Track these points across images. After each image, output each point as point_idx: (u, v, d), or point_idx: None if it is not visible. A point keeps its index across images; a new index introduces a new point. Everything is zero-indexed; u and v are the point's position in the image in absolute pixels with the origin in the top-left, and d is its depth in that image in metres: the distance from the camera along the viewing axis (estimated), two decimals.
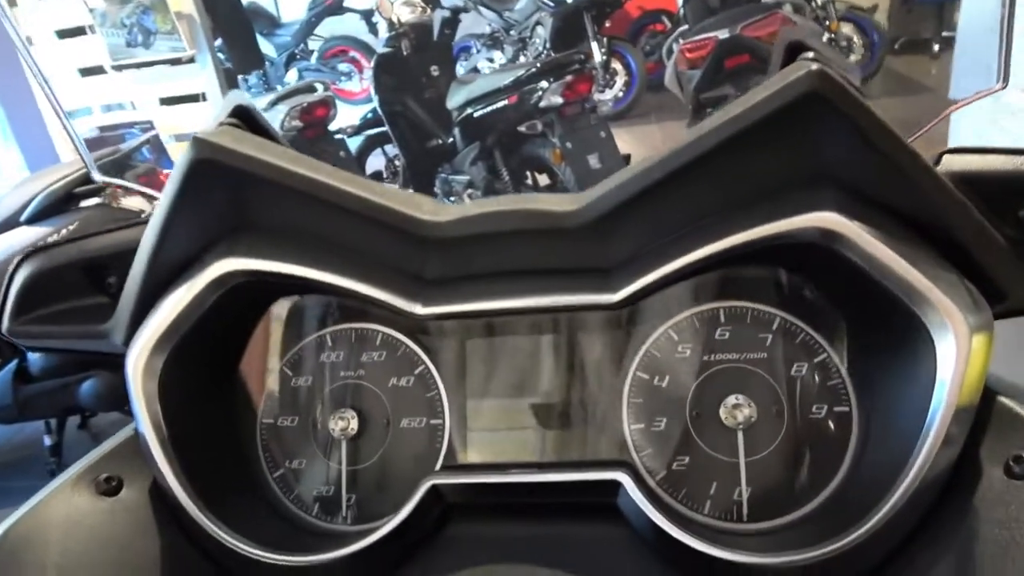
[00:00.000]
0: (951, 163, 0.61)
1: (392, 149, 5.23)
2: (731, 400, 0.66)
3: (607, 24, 5.90)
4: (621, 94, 6.38)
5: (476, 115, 4.78)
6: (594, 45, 5.56)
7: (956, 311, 0.54)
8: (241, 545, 0.65)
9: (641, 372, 0.69)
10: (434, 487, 0.66)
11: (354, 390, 0.74)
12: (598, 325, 0.70)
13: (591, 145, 4.46)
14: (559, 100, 4.46)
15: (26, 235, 3.15)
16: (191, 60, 4.32)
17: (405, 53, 5.15)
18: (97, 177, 0.87)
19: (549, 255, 0.65)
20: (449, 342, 0.73)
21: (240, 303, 0.71)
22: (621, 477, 0.63)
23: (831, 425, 0.65)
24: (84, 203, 3.30)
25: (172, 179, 0.63)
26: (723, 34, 4.84)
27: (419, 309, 0.66)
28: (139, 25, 4.33)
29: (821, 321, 0.66)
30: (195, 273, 0.66)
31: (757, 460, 0.66)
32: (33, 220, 3.20)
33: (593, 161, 4.28)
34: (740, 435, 0.66)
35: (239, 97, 0.69)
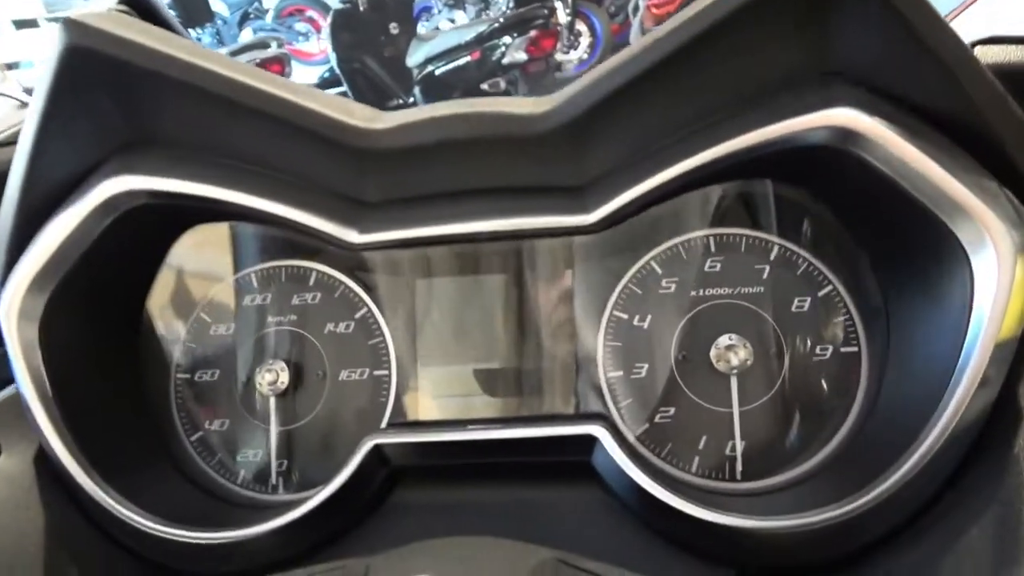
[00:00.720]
0: (985, 55, 0.52)
1: None
2: (723, 341, 0.57)
3: None
4: (586, 56, 6.23)
5: (437, 73, 4.62)
6: (559, 5, 5.40)
7: (998, 224, 0.45)
8: (146, 522, 0.54)
9: (619, 311, 0.59)
10: (377, 448, 0.56)
11: (284, 338, 0.64)
12: (569, 256, 0.60)
13: None
14: (523, 56, 4.33)
15: None
16: None
17: (362, 9, 4.95)
18: None
19: (512, 170, 0.55)
20: (394, 281, 0.62)
21: (142, 233, 0.59)
22: (597, 431, 0.54)
23: (837, 368, 0.57)
24: None
25: (42, 76, 0.51)
26: None
27: (355, 236, 0.55)
28: None
29: (827, 248, 0.57)
30: (80, 196, 0.54)
31: (753, 409, 0.57)
32: None
33: None
34: (734, 381, 0.57)
35: None
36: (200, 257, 0.64)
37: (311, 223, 0.55)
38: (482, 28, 4.45)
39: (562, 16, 5.41)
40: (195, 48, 0.52)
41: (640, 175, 0.52)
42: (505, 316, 0.61)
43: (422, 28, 5.80)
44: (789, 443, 0.57)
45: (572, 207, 0.54)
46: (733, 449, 0.57)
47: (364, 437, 0.57)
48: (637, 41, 0.50)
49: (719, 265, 0.59)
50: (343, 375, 0.63)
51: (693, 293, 0.59)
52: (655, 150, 0.52)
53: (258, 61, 4.64)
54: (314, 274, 0.64)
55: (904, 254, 0.51)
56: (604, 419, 0.56)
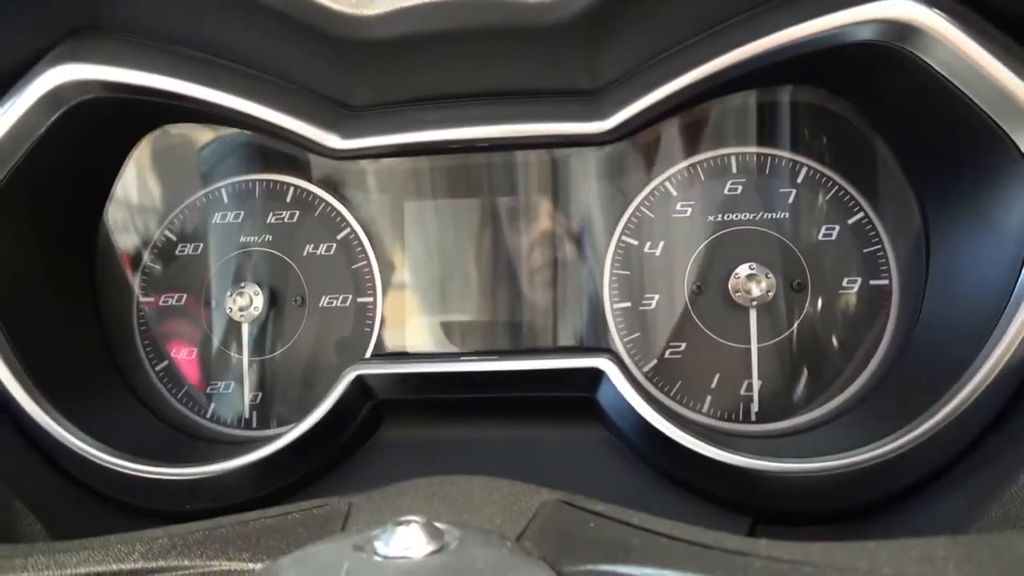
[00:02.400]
0: None
1: None
2: (743, 270, 0.52)
3: None
4: None
5: None
6: None
7: None
8: (98, 453, 0.50)
9: (628, 236, 0.54)
10: (361, 379, 0.52)
11: (259, 260, 0.58)
12: (575, 174, 0.55)
13: None
14: None
15: None
16: None
17: None
18: None
19: (517, 69, 0.49)
20: (381, 198, 0.57)
21: (95, 134, 0.53)
22: (603, 364, 0.49)
23: (866, 302, 0.53)
24: None
25: None
26: None
27: (337, 142, 0.50)
28: None
29: (861, 169, 0.53)
30: (23, 86, 0.48)
31: (772, 346, 0.53)
32: None
33: None
34: (753, 314, 0.53)
35: None
36: (163, 167, 0.59)
37: (288, 125, 0.49)
38: None
39: None
40: None
41: (664, 76, 0.47)
42: (503, 240, 0.56)
43: None
44: (810, 383, 0.53)
45: (584, 113, 0.48)
46: (749, 388, 0.53)
47: (346, 367, 0.52)
48: None
49: (740, 188, 0.54)
50: (324, 301, 0.58)
51: (711, 218, 0.54)
52: (682, 48, 0.47)
53: None
54: (292, 190, 0.58)
55: (954, 170, 0.47)
56: (610, 352, 0.51)
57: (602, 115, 0.48)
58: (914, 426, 0.43)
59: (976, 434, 0.43)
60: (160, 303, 0.59)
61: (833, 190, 0.53)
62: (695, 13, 0.46)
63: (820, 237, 0.53)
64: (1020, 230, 0.42)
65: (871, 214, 0.52)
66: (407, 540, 0.26)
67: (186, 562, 0.31)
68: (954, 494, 0.44)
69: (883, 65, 0.44)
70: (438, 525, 0.28)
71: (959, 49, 0.41)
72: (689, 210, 0.54)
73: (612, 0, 0.44)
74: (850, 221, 0.53)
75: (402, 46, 0.48)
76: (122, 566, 0.30)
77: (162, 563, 0.31)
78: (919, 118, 0.47)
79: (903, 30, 0.42)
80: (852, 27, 0.43)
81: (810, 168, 0.53)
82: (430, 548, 0.26)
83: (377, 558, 0.26)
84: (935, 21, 0.41)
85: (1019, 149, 0.41)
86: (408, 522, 0.27)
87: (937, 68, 0.42)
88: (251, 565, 0.31)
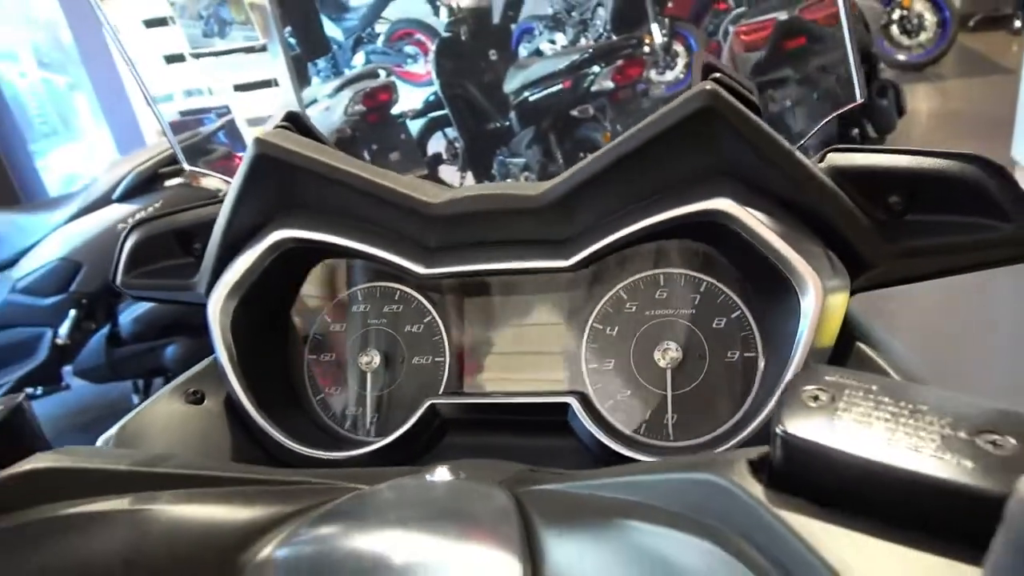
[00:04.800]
0: (834, 159, 0.77)
1: (452, 132, 5.41)
2: (663, 346, 0.84)
3: (669, 4, 5.95)
4: (681, 76, 6.41)
5: (532, 99, 4.91)
6: (654, 27, 5.61)
7: (815, 276, 0.70)
8: (292, 444, 0.86)
9: (597, 323, 0.87)
10: (433, 406, 0.86)
11: (377, 334, 0.95)
12: (565, 286, 0.89)
13: None
14: (610, 85, 4.59)
15: (117, 212, 3.54)
16: (263, 48, 4.59)
17: (464, 38, 5.31)
18: (186, 166, 1.10)
19: (520, 229, 0.84)
20: (451, 298, 0.93)
21: (291, 263, 0.92)
22: (571, 401, 0.82)
23: (742, 367, 0.82)
24: (168, 183, 3.68)
25: (240, 169, 0.85)
26: (781, 16, 4.84)
27: (421, 270, 0.86)
28: (216, 16, 4.64)
29: (734, 284, 0.83)
30: (257, 241, 0.88)
31: (681, 394, 0.83)
32: (123, 198, 3.58)
33: None
34: (669, 373, 0.84)
35: (290, 106, 0.90)
36: (325, 280, 0.98)
37: (395, 260, 0.86)
38: (573, 58, 4.73)
39: (658, 37, 5.62)
40: (329, 152, 0.85)
41: (603, 234, 0.79)
42: (525, 322, 0.90)
43: (523, 49, 6.16)
44: (706, 417, 0.83)
45: (558, 255, 0.82)
46: (667, 420, 0.84)
47: (425, 399, 0.88)
48: (602, 148, 0.79)
49: (665, 294, 0.85)
50: (415, 360, 0.93)
51: (647, 312, 0.86)
52: (613, 219, 0.80)
53: (368, 89, 5.11)
54: (398, 292, 0.95)
55: (771, 293, 0.77)
56: (581, 394, 0.84)
57: (567, 256, 0.81)
58: (729, 439, 0.73)
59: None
60: (319, 359, 0.98)
61: (721, 296, 0.84)
62: (619, 201, 0.78)
63: (714, 325, 0.84)
64: (794, 332, 0.72)
65: (745, 311, 0.83)
66: (442, 474, 0.49)
67: (340, 483, 0.66)
68: None
69: (724, 232, 0.76)
70: (459, 471, 0.59)
71: (756, 229, 0.71)
72: (634, 307, 0.86)
73: (569, 195, 0.79)
74: (732, 315, 0.83)
75: (455, 216, 0.84)
76: (320, 481, 0.66)
77: (331, 482, 0.66)
78: (749, 261, 0.78)
79: (726, 217, 0.73)
80: (697, 213, 0.75)
81: (707, 282, 0.84)
82: (451, 478, 0.56)
83: (426, 480, 0.60)
84: (742, 213, 0.72)
85: (793, 285, 0.72)
86: (443, 466, 0.61)
87: (746, 237, 0.73)
88: (367, 487, 0.65)
